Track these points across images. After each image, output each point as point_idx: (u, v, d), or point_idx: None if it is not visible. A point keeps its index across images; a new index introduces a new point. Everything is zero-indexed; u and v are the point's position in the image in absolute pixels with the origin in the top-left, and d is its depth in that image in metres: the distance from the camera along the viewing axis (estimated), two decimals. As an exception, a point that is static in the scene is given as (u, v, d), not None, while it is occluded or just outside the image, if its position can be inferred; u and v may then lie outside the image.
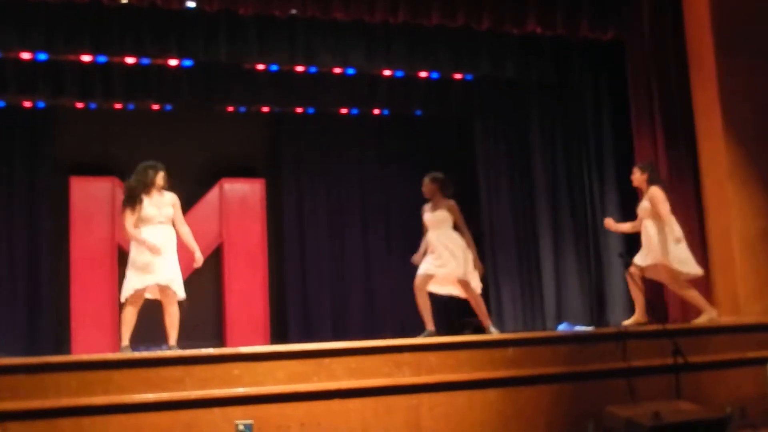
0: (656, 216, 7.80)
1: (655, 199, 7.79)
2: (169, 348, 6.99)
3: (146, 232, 7.08)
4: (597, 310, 9.61)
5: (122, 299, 7.07)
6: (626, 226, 8.23)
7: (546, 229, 10.08)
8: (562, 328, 8.95)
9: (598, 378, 6.84)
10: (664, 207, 7.77)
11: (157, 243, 7.02)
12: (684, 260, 7.76)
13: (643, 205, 7.93)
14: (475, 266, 7.77)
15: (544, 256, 10.06)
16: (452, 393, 6.50)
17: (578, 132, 10.16)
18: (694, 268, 7.78)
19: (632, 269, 7.85)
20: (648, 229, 7.87)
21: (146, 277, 6.99)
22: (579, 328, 8.15)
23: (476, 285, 7.78)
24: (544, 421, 6.64)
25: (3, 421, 5.50)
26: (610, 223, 8.20)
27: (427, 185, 7.96)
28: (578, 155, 10.14)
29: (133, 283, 6.99)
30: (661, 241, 7.75)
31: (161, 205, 7.24)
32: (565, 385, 6.76)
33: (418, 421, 6.38)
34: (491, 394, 6.59)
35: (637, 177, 8.03)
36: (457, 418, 6.45)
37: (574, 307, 9.66)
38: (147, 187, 7.23)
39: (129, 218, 7.09)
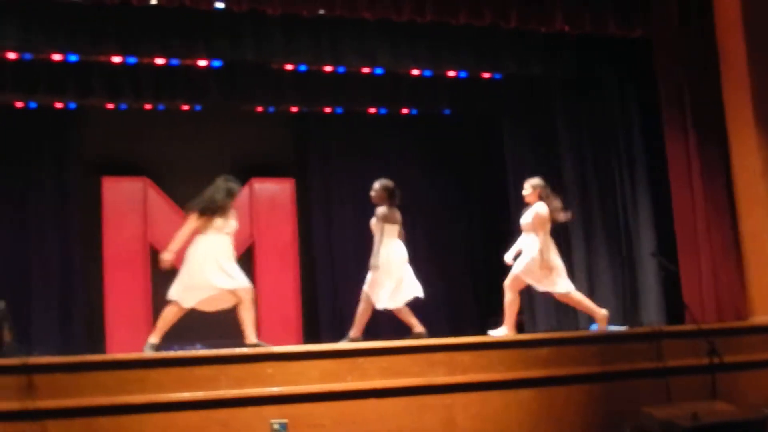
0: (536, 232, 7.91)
1: (537, 217, 7.89)
2: (253, 345, 7.03)
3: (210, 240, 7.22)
4: (630, 310, 9.55)
5: (175, 298, 7.12)
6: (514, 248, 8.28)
7: (577, 228, 10.01)
8: (595, 328, 8.90)
9: (632, 378, 6.82)
10: (543, 227, 7.89)
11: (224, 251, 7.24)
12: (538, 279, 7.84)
13: (525, 219, 8.05)
14: None
15: (576, 255, 9.99)
16: (486, 393, 6.50)
17: (607, 129, 10.10)
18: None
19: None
20: (527, 242, 8.00)
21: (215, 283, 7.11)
22: (612, 328, 8.10)
23: None
24: (579, 422, 6.63)
25: (42, 419, 5.54)
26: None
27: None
28: (608, 153, 10.07)
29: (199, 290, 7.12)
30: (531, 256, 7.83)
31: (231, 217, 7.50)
32: (599, 385, 6.75)
33: (452, 420, 6.38)
34: (525, 394, 6.58)
35: (528, 193, 8.15)
36: (491, 417, 6.45)
37: (606, 307, 9.52)
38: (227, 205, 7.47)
39: (194, 224, 7.30)
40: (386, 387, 6.35)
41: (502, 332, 7.84)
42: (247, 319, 7.13)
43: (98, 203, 10.23)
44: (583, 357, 6.84)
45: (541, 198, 8.09)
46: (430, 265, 11.29)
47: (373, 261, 7.92)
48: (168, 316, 7.07)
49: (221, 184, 7.48)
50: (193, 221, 7.27)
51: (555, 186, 10.35)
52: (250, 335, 7.11)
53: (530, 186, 8.22)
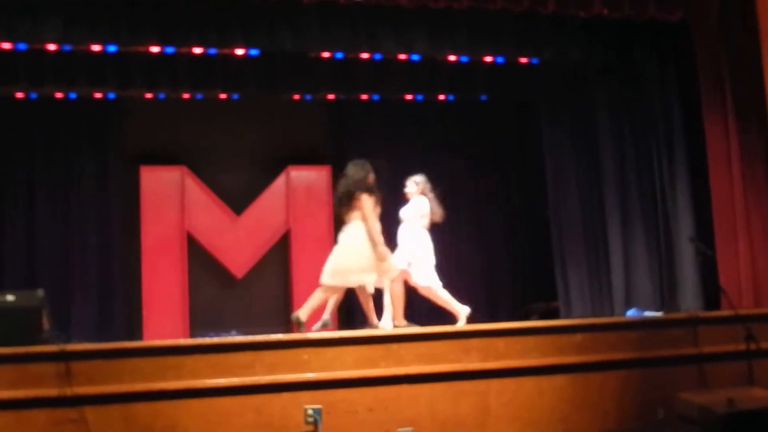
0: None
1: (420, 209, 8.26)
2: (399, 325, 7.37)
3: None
4: (667, 296, 9.47)
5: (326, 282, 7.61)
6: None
7: (614, 214, 9.94)
8: (631, 314, 8.85)
9: (668, 364, 6.77)
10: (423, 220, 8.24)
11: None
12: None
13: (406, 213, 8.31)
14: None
15: (613, 241, 9.92)
16: (521, 379, 6.49)
17: (646, 115, 9.99)
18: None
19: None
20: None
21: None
22: (648, 314, 8.04)
23: None
24: (614, 407, 6.60)
25: (80, 405, 5.63)
26: None
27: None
28: (646, 139, 9.97)
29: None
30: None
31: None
32: (634, 371, 6.71)
33: (487, 406, 6.39)
34: (560, 380, 6.56)
35: (410, 189, 8.39)
36: (526, 403, 6.44)
37: (643, 293, 9.50)
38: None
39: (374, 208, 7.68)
40: (421, 373, 6.36)
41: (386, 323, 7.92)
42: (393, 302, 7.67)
43: (137, 192, 10.36)
44: (619, 343, 6.79)
45: (423, 194, 8.43)
46: (468, 251, 11.31)
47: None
48: (318, 300, 7.62)
49: (363, 166, 7.79)
50: (369, 203, 7.66)
51: (592, 171, 10.34)
52: (399, 317, 7.63)
53: (413, 183, 8.54)
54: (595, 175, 10.35)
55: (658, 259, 9.69)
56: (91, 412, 5.67)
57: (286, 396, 6.08)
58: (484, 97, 11.25)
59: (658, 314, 8.15)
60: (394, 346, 6.42)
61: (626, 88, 10.18)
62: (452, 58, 10.10)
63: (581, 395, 6.56)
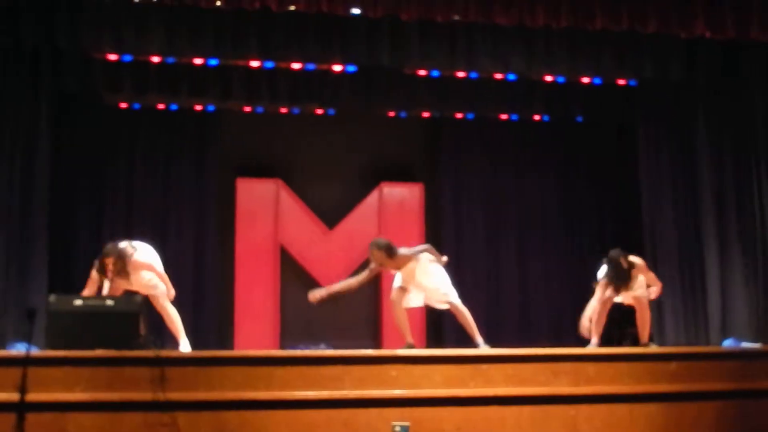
0: None
1: None
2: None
3: None
4: (765, 325, 9.19)
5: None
6: None
7: (711, 240, 9.69)
8: (728, 344, 8.61)
9: (766, 397, 6.57)
10: None
11: None
12: None
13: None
14: None
15: (709, 266, 9.67)
16: (612, 405, 6.39)
17: (748, 137, 9.73)
18: None
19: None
20: None
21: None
22: (746, 344, 7.82)
23: None
24: (709, 439, 6.44)
25: (172, 411, 5.74)
26: None
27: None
28: (748, 161, 9.72)
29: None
30: None
31: None
32: (730, 402, 6.54)
33: (576, 431, 6.29)
34: (652, 408, 6.43)
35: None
36: (616, 430, 6.32)
37: (740, 322, 9.24)
38: None
39: None
40: (510, 395, 6.31)
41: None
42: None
43: (232, 203, 10.52)
44: (715, 373, 6.63)
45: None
46: (561, 272, 11.17)
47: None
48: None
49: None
50: None
51: (689, 195, 10.10)
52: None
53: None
54: (693, 199, 10.12)
55: (756, 286, 9.42)
56: (182, 418, 5.77)
57: (373, 411, 6.09)
58: (580, 118, 11.14)
59: (756, 345, 7.91)
60: (484, 367, 6.39)
61: (729, 109, 9.93)
62: (549, 78, 10.04)
63: (675, 425, 6.41)
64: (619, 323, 9.28)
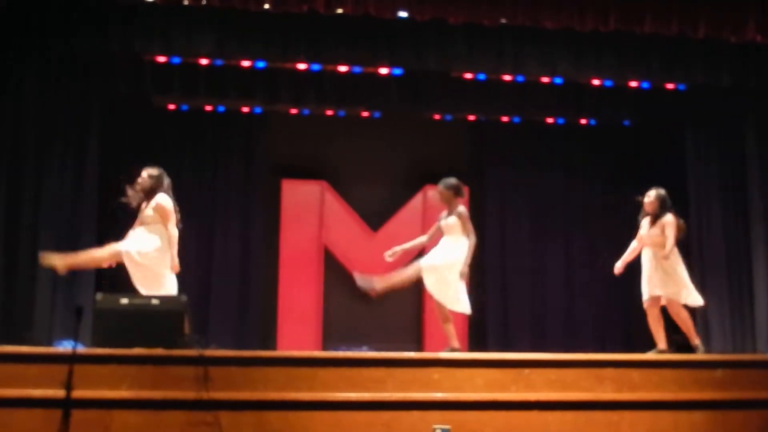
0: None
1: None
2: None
3: None
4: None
5: None
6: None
7: (760, 245, 9.56)
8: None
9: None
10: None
11: None
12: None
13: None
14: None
15: (758, 274, 9.53)
16: (656, 412, 6.33)
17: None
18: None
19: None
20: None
21: None
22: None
23: None
24: (755, 448, 6.35)
25: (215, 410, 5.78)
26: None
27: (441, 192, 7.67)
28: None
29: None
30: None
31: None
32: (779, 411, 6.44)
33: (619, 438, 6.24)
34: (697, 416, 6.36)
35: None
36: (660, 438, 6.27)
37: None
38: None
39: None
40: (552, 400, 6.28)
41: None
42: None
43: (277, 205, 10.60)
44: (762, 381, 6.56)
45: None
46: (607, 276, 11.07)
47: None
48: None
49: None
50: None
51: (738, 201, 9.96)
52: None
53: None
54: (741, 206, 10.00)
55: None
56: (225, 417, 5.81)
57: (415, 414, 6.10)
58: (627, 123, 11.05)
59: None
60: (526, 371, 6.37)
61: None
62: (596, 82, 9.98)
63: (720, 433, 6.34)
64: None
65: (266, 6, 8.23)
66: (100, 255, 7.26)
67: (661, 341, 7.63)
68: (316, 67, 9.56)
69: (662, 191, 7.89)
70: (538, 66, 9.15)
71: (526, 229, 11.07)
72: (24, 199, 8.66)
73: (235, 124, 10.64)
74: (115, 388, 5.88)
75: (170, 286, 6.98)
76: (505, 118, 10.96)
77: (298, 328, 10.19)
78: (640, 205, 7.95)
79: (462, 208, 7.58)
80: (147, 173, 7.31)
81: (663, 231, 7.72)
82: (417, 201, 10.88)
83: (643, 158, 11.23)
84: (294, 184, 10.70)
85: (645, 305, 7.74)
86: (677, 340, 9.48)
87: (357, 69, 9.66)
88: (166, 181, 7.33)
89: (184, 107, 10.44)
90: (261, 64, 9.49)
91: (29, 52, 8.68)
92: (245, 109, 10.51)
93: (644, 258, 7.84)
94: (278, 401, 5.99)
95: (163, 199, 7.17)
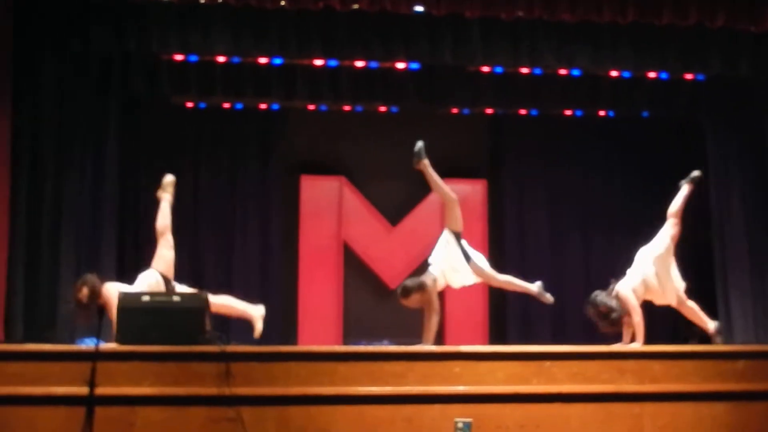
0: None
1: None
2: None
3: None
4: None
5: None
6: None
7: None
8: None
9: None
10: None
11: None
12: None
13: None
14: None
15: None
16: (677, 404, 6.28)
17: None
18: None
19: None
20: None
21: None
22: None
23: None
24: (777, 439, 6.31)
25: (237, 405, 5.80)
26: None
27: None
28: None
29: None
30: None
31: None
32: (803, 403, 6.39)
33: (641, 430, 6.21)
34: (719, 407, 6.31)
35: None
36: (681, 429, 6.22)
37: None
38: None
39: None
40: (573, 392, 6.25)
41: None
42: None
43: (296, 201, 10.64)
44: (784, 373, 6.50)
45: None
46: (627, 267, 11.04)
47: None
48: None
49: None
50: None
51: (759, 191, 9.90)
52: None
53: None
54: (762, 196, 9.94)
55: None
56: (247, 413, 5.81)
57: (437, 408, 6.08)
58: (645, 114, 11.01)
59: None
60: (547, 364, 6.34)
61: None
62: (614, 73, 9.96)
63: (742, 425, 6.28)
64: (687, 321, 9.16)
65: (282, 3, 8.27)
66: None
67: (708, 324, 7.74)
68: (332, 63, 9.58)
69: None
70: (556, 59, 9.15)
71: (545, 221, 11.05)
72: (45, 199, 8.73)
73: (252, 120, 10.69)
74: (137, 385, 5.90)
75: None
76: (522, 111, 10.93)
77: (318, 324, 10.22)
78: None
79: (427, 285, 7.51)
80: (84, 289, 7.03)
81: None
82: (436, 195, 10.85)
83: (662, 149, 11.18)
84: (312, 180, 10.73)
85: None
86: (700, 331, 9.46)
87: (374, 64, 9.68)
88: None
89: (202, 105, 10.50)
90: (278, 61, 9.51)
91: (46, 54, 8.75)
92: (263, 106, 10.54)
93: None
94: (300, 396, 5.99)
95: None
